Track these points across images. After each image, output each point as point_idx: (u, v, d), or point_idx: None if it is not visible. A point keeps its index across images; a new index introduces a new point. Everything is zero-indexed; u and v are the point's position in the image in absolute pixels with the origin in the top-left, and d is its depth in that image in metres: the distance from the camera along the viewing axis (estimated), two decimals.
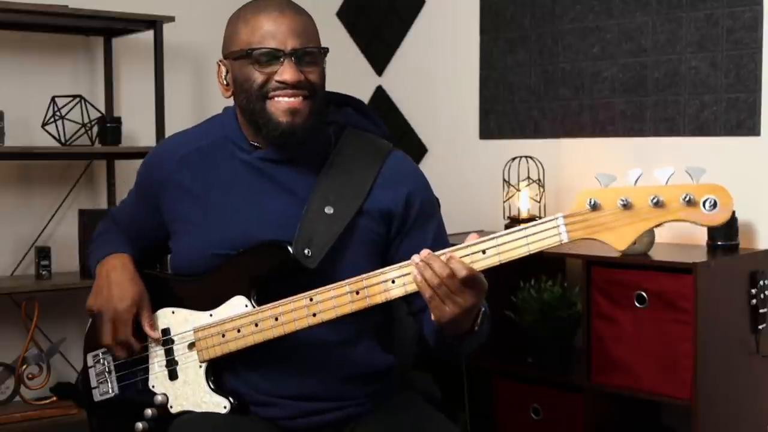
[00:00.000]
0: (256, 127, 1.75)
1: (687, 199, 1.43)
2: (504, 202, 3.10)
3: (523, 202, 3.05)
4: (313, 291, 1.64)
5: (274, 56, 1.70)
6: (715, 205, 1.43)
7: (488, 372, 2.92)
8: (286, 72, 1.69)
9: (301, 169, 1.77)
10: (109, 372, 1.86)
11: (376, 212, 1.76)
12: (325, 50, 1.76)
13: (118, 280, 1.81)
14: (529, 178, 3.09)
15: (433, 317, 1.59)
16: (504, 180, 3.11)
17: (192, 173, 1.81)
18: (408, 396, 1.87)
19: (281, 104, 1.70)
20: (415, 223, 1.79)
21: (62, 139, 3.18)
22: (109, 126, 3.22)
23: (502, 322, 2.76)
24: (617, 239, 1.47)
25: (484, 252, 1.54)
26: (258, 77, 1.71)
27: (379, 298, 1.61)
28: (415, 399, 1.86)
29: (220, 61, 1.80)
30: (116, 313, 1.79)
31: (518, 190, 3.06)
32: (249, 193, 1.77)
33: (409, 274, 1.58)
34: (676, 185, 1.44)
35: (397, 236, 1.78)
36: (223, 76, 1.79)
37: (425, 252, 1.55)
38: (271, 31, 1.70)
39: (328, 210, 1.73)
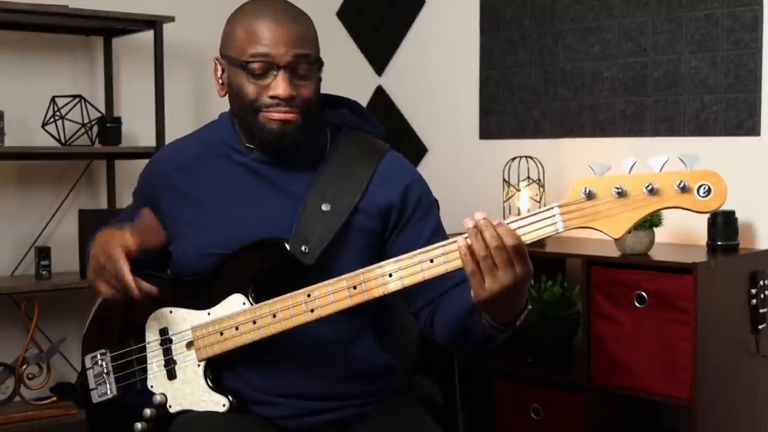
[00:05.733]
0: (250, 132, 1.76)
1: (681, 185, 1.42)
2: (504, 202, 3.10)
3: (523, 202, 3.04)
4: (310, 287, 1.63)
5: (267, 69, 1.69)
6: (709, 191, 1.41)
7: (488, 372, 2.92)
8: (279, 86, 1.68)
9: (297, 170, 1.78)
10: (107, 373, 1.86)
11: (374, 210, 1.76)
12: (320, 62, 1.75)
13: (105, 238, 1.78)
14: (529, 178, 3.09)
15: (472, 294, 1.51)
16: (504, 180, 3.11)
17: (189, 177, 1.82)
18: (407, 402, 1.85)
19: (272, 116, 1.70)
20: (413, 215, 1.78)
21: (62, 139, 3.18)
22: (109, 126, 3.22)
23: None
24: (612, 227, 1.46)
25: None
26: (251, 91, 1.70)
27: (377, 292, 1.59)
28: (413, 406, 1.84)
29: (217, 58, 1.80)
30: (108, 258, 1.73)
31: (518, 190, 3.06)
32: (245, 194, 1.77)
33: (405, 268, 1.56)
34: (670, 172, 1.43)
35: (394, 230, 1.78)
36: (219, 74, 1.79)
37: (479, 214, 1.48)
38: (266, 39, 1.69)
39: (325, 207, 1.73)
